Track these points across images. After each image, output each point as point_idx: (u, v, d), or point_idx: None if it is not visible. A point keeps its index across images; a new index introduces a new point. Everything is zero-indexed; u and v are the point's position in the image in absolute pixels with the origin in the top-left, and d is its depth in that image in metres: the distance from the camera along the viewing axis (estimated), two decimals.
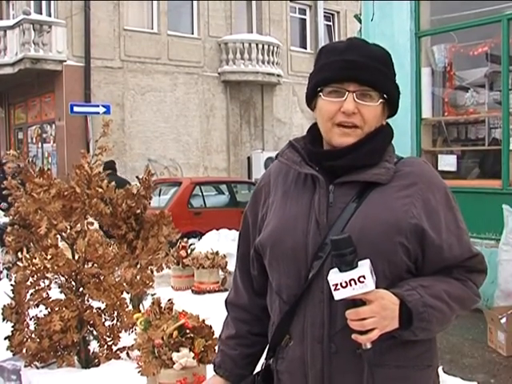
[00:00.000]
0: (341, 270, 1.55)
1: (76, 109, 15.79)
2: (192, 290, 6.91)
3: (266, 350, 1.85)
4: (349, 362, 1.65)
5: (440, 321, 1.65)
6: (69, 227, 4.37)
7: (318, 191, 1.74)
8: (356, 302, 1.56)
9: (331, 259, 1.62)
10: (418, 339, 1.66)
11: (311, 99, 1.82)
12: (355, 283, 1.53)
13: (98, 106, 16.02)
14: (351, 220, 1.67)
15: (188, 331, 2.85)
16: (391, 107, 1.79)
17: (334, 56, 1.74)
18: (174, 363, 2.78)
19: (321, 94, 1.75)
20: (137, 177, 5.08)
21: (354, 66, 1.71)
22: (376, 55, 1.74)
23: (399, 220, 1.64)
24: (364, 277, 1.53)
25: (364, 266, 1.55)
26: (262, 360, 1.89)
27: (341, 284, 1.54)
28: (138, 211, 4.78)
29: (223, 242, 11.28)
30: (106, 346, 4.48)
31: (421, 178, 1.73)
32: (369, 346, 1.57)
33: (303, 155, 1.81)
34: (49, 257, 4.29)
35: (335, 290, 1.55)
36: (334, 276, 1.55)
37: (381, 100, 1.72)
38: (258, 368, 1.91)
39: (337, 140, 1.73)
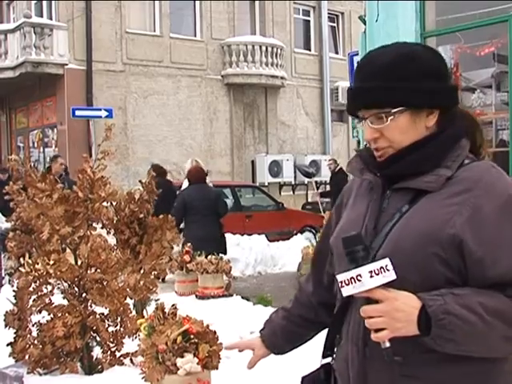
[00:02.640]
0: (353, 268, 1.59)
1: (78, 113, 15.84)
2: (196, 295, 6.91)
3: (323, 347, 1.91)
4: (382, 369, 1.68)
5: (470, 334, 1.58)
6: (71, 232, 4.38)
7: (373, 197, 1.80)
8: (370, 300, 1.59)
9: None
10: (470, 356, 1.62)
11: None
12: (354, 281, 1.57)
13: (100, 109, 16.06)
14: (394, 228, 1.71)
15: (192, 336, 2.86)
16: (431, 105, 1.73)
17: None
18: (178, 369, 2.79)
19: None
20: (140, 181, 5.10)
21: (356, 93, 1.75)
22: (380, 69, 1.72)
23: (437, 230, 1.63)
24: (360, 275, 1.57)
25: (368, 266, 1.58)
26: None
27: (344, 281, 1.59)
28: (142, 216, 4.79)
29: (227, 246, 11.32)
30: (109, 352, 4.50)
31: (477, 183, 1.66)
32: (387, 344, 1.59)
33: (367, 163, 1.85)
34: (51, 262, 4.31)
35: (341, 286, 1.60)
36: (342, 274, 1.60)
37: (391, 117, 1.71)
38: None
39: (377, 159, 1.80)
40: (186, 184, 6.13)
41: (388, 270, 1.58)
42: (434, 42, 7.63)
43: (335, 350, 1.87)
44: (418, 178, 1.71)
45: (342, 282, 1.60)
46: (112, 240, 4.89)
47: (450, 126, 1.75)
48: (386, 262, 1.58)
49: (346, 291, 1.60)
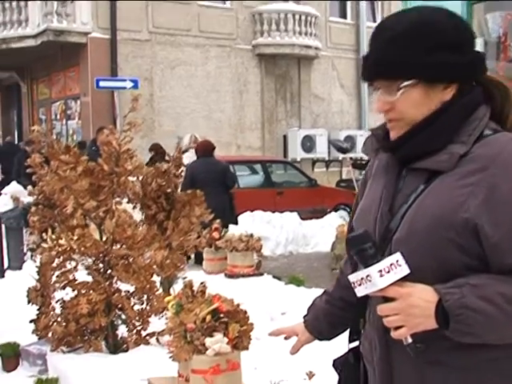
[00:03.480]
0: (363, 267, 1.60)
1: (102, 83, 15.87)
2: (225, 274, 6.94)
3: (348, 332, 1.97)
4: (405, 356, 1.67)
5: (489, 326, 1.57)
6: (96, 207, 4.41)
7: (388, 177, 1.80)
8: (386, 298, 1.59)
9: (391, 249, 1.66)
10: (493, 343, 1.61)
11: None
12: (365, 281, 1.58)
13: (125, 80, 16.07)
14: (409, 210, 1.69)
15: (222, 315, 2.87)
16: (450, 77, 1.69)
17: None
18: (206, 349, 2.80)
19: None
20: (167, 160, 5.12)
21: (368, 62, 1.72)
22: (392, 37, 1.68)
23: (449, 213, 1.61)
24: (370, 276, 1.57)
25: (377, 265, 1.57)
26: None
27: (356, 282, 1.60)
28: (169, 190, 4.81)
29: (258, 224, 11.33)
30: (134, 331, 4.55)
31: (494, 160, 1.60)
32: (409, 340, 1.59)
33: (382, 142, 1.84)
34: (75, 237, 4.35)
35: (354, 287, 1.61)
36: (353, 274, 1.62)
37: (402, 90, 1.67)
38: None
39: (390, 133, 1.78)
40: (185, 160, 6.21)
41: (400, 265, 1.57)
42: (482, 9, 7.49)
43: (361, 333, 1.90)
44: (431, 158, 1.68)
45: (353, 283, 1.61)
46: (138, 215, 4.92)
47: (465, 96, 1.71)
48: (397, 257, 1.58)
49: (359, 292, 1.61)
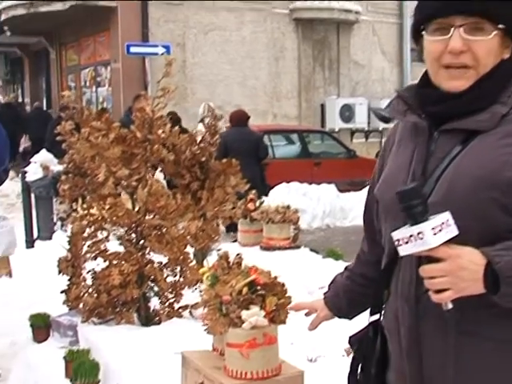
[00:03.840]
0: (410, 224, 1.57)
1: (133, 49, 15.88)
2: (260, 247, 6.96)
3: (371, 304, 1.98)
4: (436, 326, 1.68)
5: None
6: (129, 175, 4.43)
7: (418, 140, 1.77)
8: (430, 259, 1.57)
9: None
10: None
11: (417, 39, 1.79)
12: (415, 239, 1.55)
13: (156, 46, 16.05)
14: (444, 172, 1.68)
15: (259, 288, 2.87)
16: None
17: None
18: (243, 322, 2.81)
19: (424, 32, 1.72)
20: (201, 120, 5.12)
21: None
22: None
23: (492, 173, 1.60)
24: (422, 233, 1.54)
25: (429, 222, 1.55)
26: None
27: (402, 239, 1.58)
28: (204, 159, 4.81)
29: (293, 196, 11.33)
30: (167, 304, 4.59)
31: None
32: (450, 306, 1.58)
33: (410, 104, 1.82)
34: (107, 206, 4.38)
35: (398, 245, 1.59)
36: (398, 231, 1.59)
37: (495, 32, 1.65)
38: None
39: (445, 85, 1.72)
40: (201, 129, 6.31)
41: (449, 225, 1.56)
42: None
43: (383, 306, 1.91)
44: (470, 118, 1.67)
45: (398, 241, 1.59)
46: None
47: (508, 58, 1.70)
48: (447, 216, 1.56)
49: (404, 250, 1.59)
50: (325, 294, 2.33)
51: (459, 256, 1.56)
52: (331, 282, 2.32)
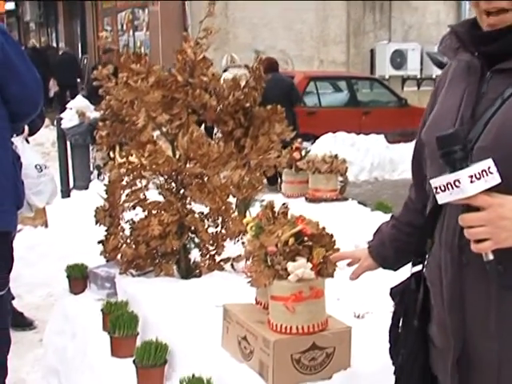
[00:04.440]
0: (448, 171, 1.59)
1: None
2: (305, 198, 6.93)
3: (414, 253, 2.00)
4: (479, 278, 1.69)
5: None
6: (169, 121, 4.43)
7: (470, 80, 1.76)
8: (470, 208, 1.58)
9: (472, 159, 1.63)
10: None
11: None
12: (452, 187, 1.57)
13: None
14: (495, 116, 1.67)
15: (306, 239, 2.87)
16: None
17: None
18: (288, 274, 2.81)
19: None
20: (246, 65, 5.08)
21: None
22: None
23: None
24: (458, 181, 1.55)
25: (467, 169, 1.55)
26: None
27: (440, 187, 1.59)
28: (247, 105, 4.78)
29: (340, 146, 11.31)
30: (208, 256, 4.61)
31: None
32: (490, 257, 1.59)
33: (464, 40, 1.80)
34: (146, 154, 4.39)
35: (436, 192, 1.61)
36: (436, 178, 1.61)
37: None
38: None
39: (486, 26, 1.73)
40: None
41: (491, 172, 1.55)
42: None
43: (426, 256, 1.93)
44: None
45: (436, 188, 1.60)
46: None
47: None
48: (489, 163, 1.56)
49: (442, 198, 1.60)
50: (369, 242, 2.34)
51: (500, 205, 1.55)
52: (376, 231, 2.33)
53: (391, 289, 2.10)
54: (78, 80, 20.09)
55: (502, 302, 1.68)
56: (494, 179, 1.56)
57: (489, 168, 1.56)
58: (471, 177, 1.55)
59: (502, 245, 1.57)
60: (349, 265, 2.48)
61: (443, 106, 1.87)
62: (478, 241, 1.58)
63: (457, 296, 1.76)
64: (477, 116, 1.72)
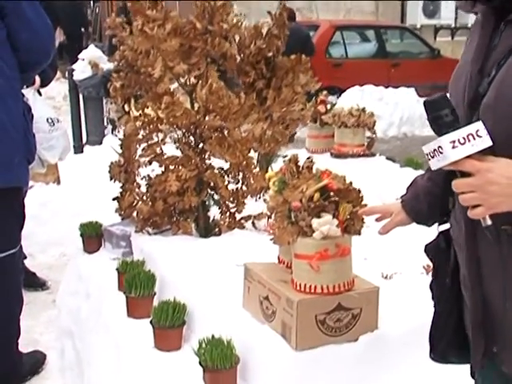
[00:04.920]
0: (438, 136, 1.62)
1: None
2: (331, 153, 6.92)
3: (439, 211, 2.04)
4: (491, 240, 1.71)
5: None
6: (187, 71, 4.41)
7: (482, 33, 1.75)
8: (463, 173, 1.61)
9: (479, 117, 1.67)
10: None
11: None
12: (437, 153, 1.61)
13: None
14: (500, 70, 1.66)
15: (332, 194, 2.86)
16: None
17: None
18: (313, 231, 2.80)
19: None
20: (268, 12, 5.03)
21: None
22: None
23: None
24: (441, 147, 1.59)
25: (449, 135, 1.59)
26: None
27: (429, 154, 1.64)
28: (270, 54, 4.75)
29: (368, 100, 11.23)
30: (228, 213, 4.62)
31: None
32: (488, 222, 1.62)
33: None
34: (163, 106, 4.37)
35: (428, 159, 1.65)
36: (426, 145, 1.65)
37: None
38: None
39: None
40: None
41: (479, 136, 1.57)
42: None
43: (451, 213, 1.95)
44: None
45: (427, 155, 1.64)
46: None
47: None
48: (478, 126, 1.58)
49: (433, 164, 1.64)
50: (402, 196, 2.34)
51: (488, 170, 1.57)
52: (410, 185, 2.33)
53: (426, 245, 2.11)
54: (83, 30, 19.98)
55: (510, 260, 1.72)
56: (483, 143, 1.58)
57: (477, 131, 1.58)
58: (453, 142, 1.58)
59: (495, 210, 1.59)
60: (378, 220, 2.48)
61: (461, 61, 1.88)
62: (473, 206, 1.61)
63: (472, 255, 1.80)
64: (486, 70, 1.72)
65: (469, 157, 1.59)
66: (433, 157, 1.63)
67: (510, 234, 1.67)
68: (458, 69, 1.88)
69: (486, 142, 1.58)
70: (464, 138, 1.58)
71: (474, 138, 1.58)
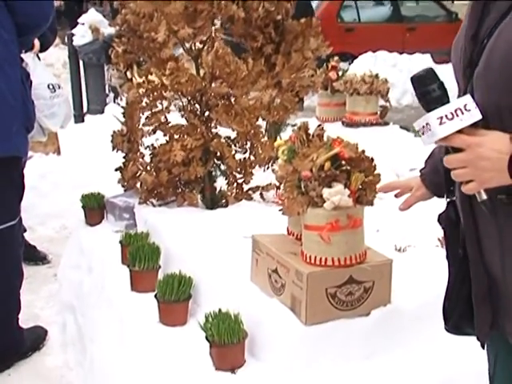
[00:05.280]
0: (427, 112, 1.65)
1: None
2: (342, 122, 6.92)
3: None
4: (487, 214, 1.74)
5: None
6: (192, 35, 4.40)
7: None
8: (455, 149, 1.64)
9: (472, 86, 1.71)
10: None
11: None
12: (426, 130, 1.64)
13: None
14: (491, 37, 1.68)
15: (344, 163, 2.86)
16: None
17: None
18: (324, 201, 2.80)
19: None
20: None
21: None
22: None
23: None
24: (428, 124, 1.62)
25: (436, 111, 1.61)
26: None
27: (420, 130, 1.67)
28: (279, 18, 4.73)
29: (381, 67, 11.19)
30: (235, 184, 4.63)
31: None
32: (484, 197, 1.65)
33: None
34: (167, 72, 4.37)
35: (420, 136, 1.69)
36: (416, 121, 1.68)
37: None
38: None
39: None
40: None
41: (468, 110, 1.60)
42: None
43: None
44: None
45: (418, 132, 1.67)
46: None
47: None
48: (466, 100, 1.61)
49: (424, 141, 1.68)
50: (421, 170, 2.35)
51: (479, 144, 1.59)
52: (429, 157, 2.34)
53: (439, 215, 2.13)
54: None
55: (507, 230, 1.75)
56: (472, 117, 1.61)
57: (465, 106, 1.60)
58: (440, 118, 1.60)
59: (487, 185, 1.62)
60: (397, 196, 2.50)
61: (461, 26, 1.89)
62: (466, 182, 1.64)
63: (471, 226, 1.84)
64: (479, 38, 1.73)
65: (460, 131, 1.61)
66: (423, 133, 1.66)
67: (505, 203, 1.69)
68: (458, 35, 1.89)
69: (474, 116, 1.61)
70: (452, 113, 1.60)
71: (463, 113, 1.60)
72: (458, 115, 1.60)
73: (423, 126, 1.64)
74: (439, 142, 1.65)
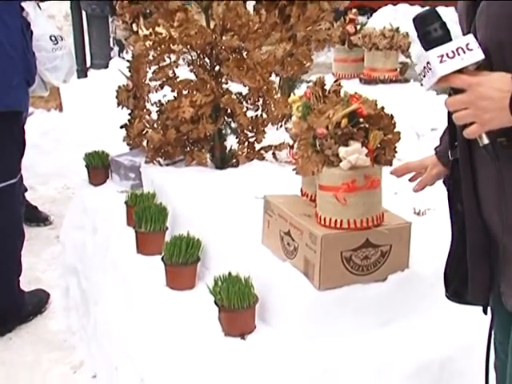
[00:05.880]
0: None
1: None
2: (360, 79, 6.88)
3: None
4: (488, 160, 1.77)
5: None
6: None
7: None
8: (457, 91, 1.66)
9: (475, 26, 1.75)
10: None
11: None
12: (427, 70, 1.66)
13: None
14: None
15: (361, 120, 2.83)
16: None
17: None
18: (340, 160, 2.78)
19: None
20: None
21: None
22: None
23: None
24: (429, 62, 1.64)
25: (436, 49, 1.63)
26: None
27: (421, 73, 1.70)
28: None
29: (401, 21, 11.08)
30: (246, 143, 4.62)
31: None
32: (485, 141, 1.68)
33: None
34: (176, 24, 4.34)
35: (420, 80, 1.71)
36: (419, 63, 1.71)
37: None
38: None
39: None
40: None
41: (470, 49, 1.61)
42: None
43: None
44: None
45: (420, 75, 1.70)
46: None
47: None
48: (468, 40, 1.62)
49: (425, 84, 1.69)
50: (436, 148, 2.38)
51: (479, 84, 1.61)
52: (443, 134, 2.35)
53: (444, 177, 2.15)
54: None
55: (506, 175, 1.78)
56: (474, 56, 1.62)
57: (467, 45, 1.62)
58: (441, 56, 1.62)
59: (489, 127, 1.64)
60: (411, 179, 2.52)
61: None
62: (468, 125, 1.66)
63: (469, 175, 1.89)
64: None
65: (461, 72, 1.63)
66: (424, 76, 1.67)
67: (505, 146, 1.71)
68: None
69: (476, 55, 1.62)
70: (453, 52, 1.62)
71: (464, 52, 1.62)
72: (459, 54, 1.61)
73: (424, 67, 1.66)
74: (439, 84, 1.65)
